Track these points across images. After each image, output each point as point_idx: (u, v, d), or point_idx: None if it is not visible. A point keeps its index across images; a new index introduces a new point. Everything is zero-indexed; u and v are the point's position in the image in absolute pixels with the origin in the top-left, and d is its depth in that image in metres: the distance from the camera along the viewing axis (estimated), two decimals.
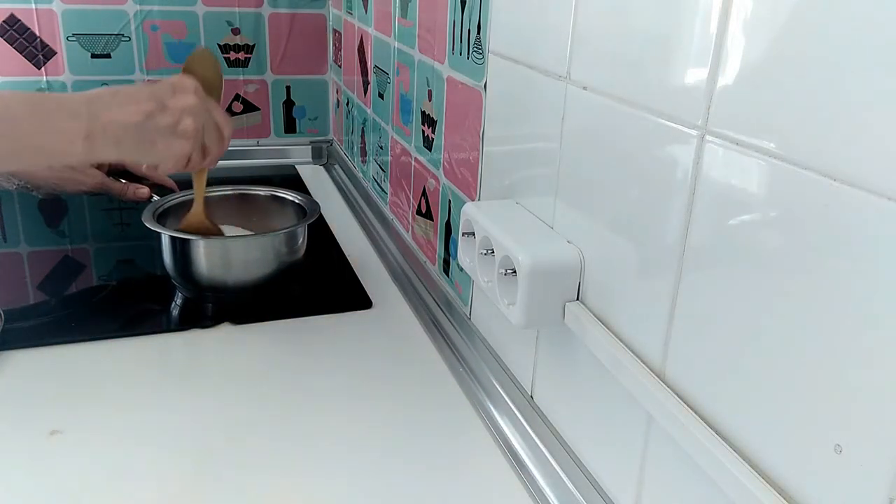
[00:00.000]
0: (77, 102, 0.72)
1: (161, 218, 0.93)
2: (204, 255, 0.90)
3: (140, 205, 0.98)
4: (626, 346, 0.52)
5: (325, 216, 1.19)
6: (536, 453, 0.65)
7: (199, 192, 0.92)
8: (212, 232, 0.94)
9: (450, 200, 0.86)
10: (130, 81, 1.40)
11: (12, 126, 0.69)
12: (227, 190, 1.03)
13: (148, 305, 0.93)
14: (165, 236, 0.90)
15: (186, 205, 0.96)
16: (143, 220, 0.91)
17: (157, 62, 1.40)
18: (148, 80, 0.76)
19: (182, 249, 0.90)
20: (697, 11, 0.43)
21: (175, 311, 0.92)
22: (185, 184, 0.98)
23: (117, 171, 1.06)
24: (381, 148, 1.16)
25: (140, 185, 1.01)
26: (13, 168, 0.72)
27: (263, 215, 1.02)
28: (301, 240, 0.96)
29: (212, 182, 1.01)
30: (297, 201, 1.01)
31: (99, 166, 1.03)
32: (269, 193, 1.04)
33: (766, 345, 0.40)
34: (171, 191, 0.97)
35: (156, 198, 0.95)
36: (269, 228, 0.97)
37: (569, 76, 0.58)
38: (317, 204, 0.99)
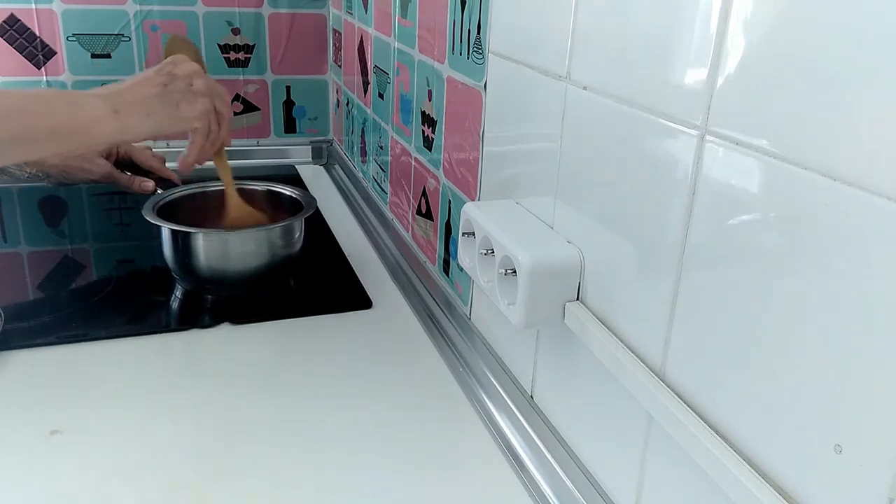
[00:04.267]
0: (99, 89, 0.78)
1: (162, 212, 0.94)
2: (203, 247, 0.91)
3: (142, 199, 0.99)
4: (626, 346, 0.52)
5: (325, 216, 1.19)
6: (536, 453, 0.65)
7: (227, 178, 0.94)
8: (258, 218, 0.97)
9: (450, 200, 0.86)
10: None
11: (48, 107, 0.74)
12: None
13: (148, 299, 0.94)
14: (165, 229, 0.91)
15: (188, 199, 0.98)
16: (143, 213, 0.92)
17: (157, 62, 1.39)
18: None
19: (182, 242, 0.91)
20: (697, 11, 0.43)
21: (175, 304, 0.93)
22: (188, 179, 0.98)
23: (124, 164, 1.06)
24: (381, 148, 1.16)
25: (146, 179, 1.02)
26: (52, 151, 0.78)
27: (261, 210, 1.03)
28: (298, 234, 0.97)
29: (211, 179, 1.02)
30: (294, 196, 1.02)
31: (107, 157, 1.04)
32: (266, 189, 1.04)
33: (766, 345, 0.40)
34: (175, 185, 0.98)
35: (160, 191, 0.96)
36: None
37: (569, 76, 0.58)
38: (313, 199, 1.00)
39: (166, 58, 0.86)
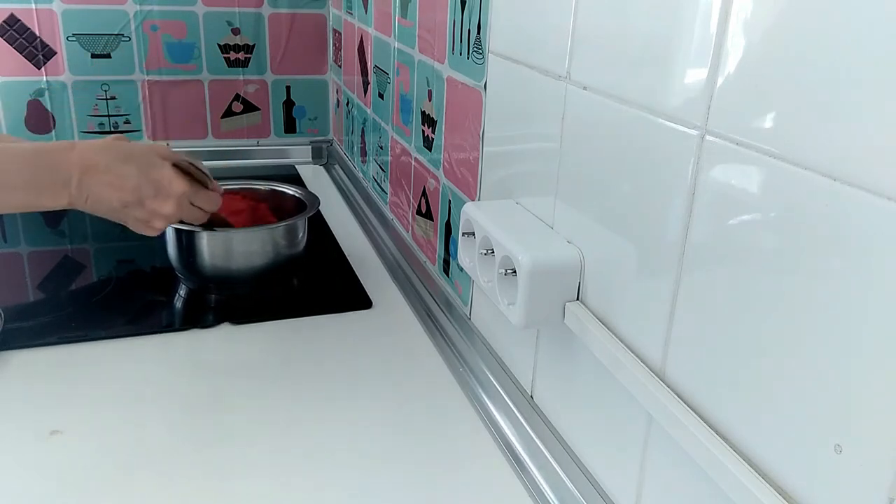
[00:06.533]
0: (72, 169, 0.75)
1: None
2: (207, 246, 0.91)
3: None
4: (626, 346, 0.52)
5: (325, 216, 1.19)
6: (536, 453, 0.65)
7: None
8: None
9: (450, 200, 0.86)
10: (130, 82, 1.40)
11: (7, 178, 0.74)
12: (228, 185, 1.04)
13: (148, 299, 0.94)
14: (170, 229, 0.91)
15: None
16: None
17: (157, 62, 1.40)
18: (157, 144, 0.82)
19: (187, 242, 0.91)
20: (697, 11, 0.43)
21: (175, 304, 0.93)
22: None
23: None
24: (381, 148, 1.16)
25: None
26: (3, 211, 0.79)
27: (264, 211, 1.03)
28: (301, 233, 0.97)
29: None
30: (297, 195, 1.02)
31: None
32: (269, 188, 1.04)
33: (765, 345, 0.40)
34: None
35: None
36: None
37: (569, 76, 0.58)
38: (316, 198, 1.00)
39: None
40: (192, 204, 0.82)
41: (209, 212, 0.86)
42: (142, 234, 0.82)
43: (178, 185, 0.80)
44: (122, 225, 0.82)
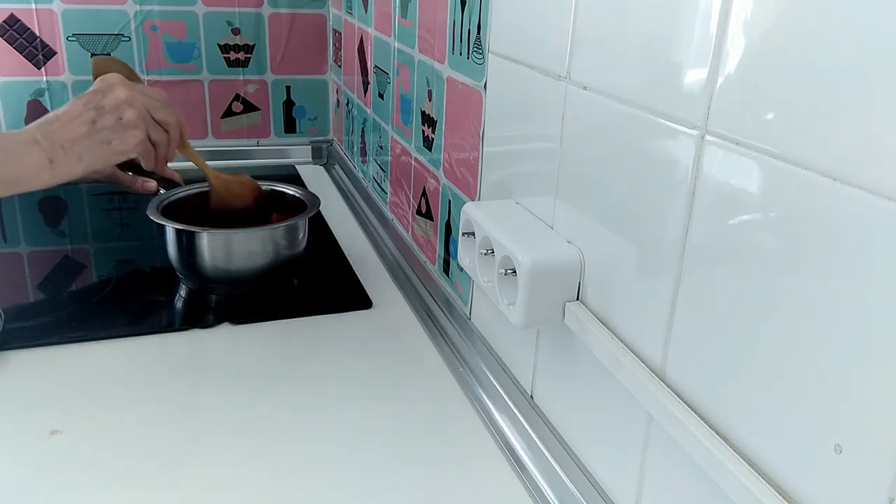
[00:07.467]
0: (30, 132, 0.78)
1: (166, 212, 0.94)
2: (207, 246, 0.91)
3: (142, 199, 0.99)
4: (626, 346, 0.52)
5: (325, 216, 1.19)
6: (536, 453, 0.65)
7: (200, 162, 0.96)
8: (244, 189, 0.98)
9: (450, 200, 0.86)
10: None
11: None
12: None
13: (148, 299, 0.94)
14: (170, 229, 0.91)
15: (191, 198, 0.99)
16: (147, 213, 0.92)
17: (157, 62, 1.40)
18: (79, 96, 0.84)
19: (187, 242, 0.91)
20: (697, 11, 0.43)
21: (175, 304, 0.93)
22: (191, 179, 0.99)
23: (126, 164, 1.06)
24: (381, 148, 1.16)
25: (148, 179, 1.03)
26: None
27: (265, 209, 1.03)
28: (302, 233, 0.97)
29: None
30: (297, 195, 1.02)
31: None
32: (269, 188, 1.04)
33: (765, 345, 0.40)
34: (178, 185, 0.98)
35: (162, 191, 0.96)
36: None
37: (569, 76, 0.58)
38: (317, 198, 1.00)
39: (95, 78, 0.85)
40: (155, 120, 0.84)
41: (175, 124, 0.87)
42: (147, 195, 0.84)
43: (111, 75, 0.83)
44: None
